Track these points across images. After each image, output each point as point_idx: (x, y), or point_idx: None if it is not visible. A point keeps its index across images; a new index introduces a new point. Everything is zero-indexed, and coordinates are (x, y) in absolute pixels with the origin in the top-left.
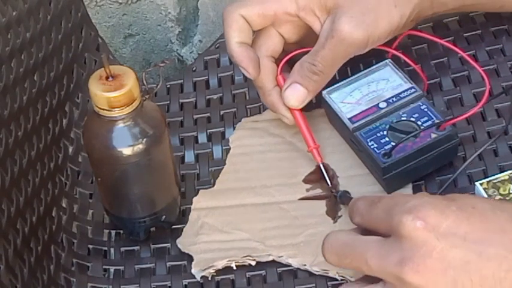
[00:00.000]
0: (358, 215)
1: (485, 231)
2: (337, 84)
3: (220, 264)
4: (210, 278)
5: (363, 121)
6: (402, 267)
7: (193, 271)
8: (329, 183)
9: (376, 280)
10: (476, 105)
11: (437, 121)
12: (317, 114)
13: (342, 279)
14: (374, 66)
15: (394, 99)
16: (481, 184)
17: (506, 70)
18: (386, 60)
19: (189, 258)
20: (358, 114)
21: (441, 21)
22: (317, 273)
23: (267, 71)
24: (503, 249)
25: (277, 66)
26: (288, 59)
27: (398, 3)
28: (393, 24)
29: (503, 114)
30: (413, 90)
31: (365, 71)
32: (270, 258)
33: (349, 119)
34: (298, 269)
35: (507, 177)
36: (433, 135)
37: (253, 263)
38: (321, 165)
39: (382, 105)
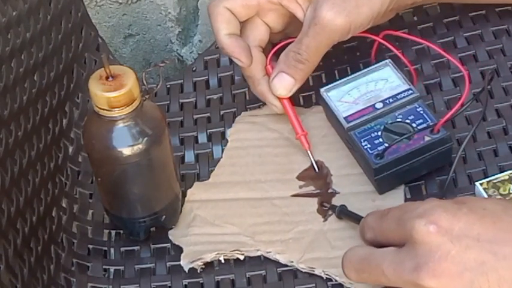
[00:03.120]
0: (369, 230)
1: (499, 231)
2: (336, 83)
3: (209, 257)
4: (210, 278)
5: (358, 121)
6: (418, 273)
7: (182, 263)
8: (316, 168)
9: None
10: (462, 95)
11: (431, 124)
12: (315, 111)
13: (327, 277)
14: (374, 66)
15: (390, 100)
16: (481, 184)
17: (506, 70)
18: (387, 61)
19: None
20: (354, 113)
21: (441, 20)
22: (303, 270)
23: (255, 61)
24: None
25: (265, 56)
26: (277, 49)
27: None
28: (374, 10)
29: (503, 114)
30: (410, 91)
31: (364, 70)
32: (258, 253)
33: (345, 118)
34: (297, 269)
35: (507, 177)
36: (427, 138)
37: (241, 257)
38: (309, 152)
39: (379, 105)
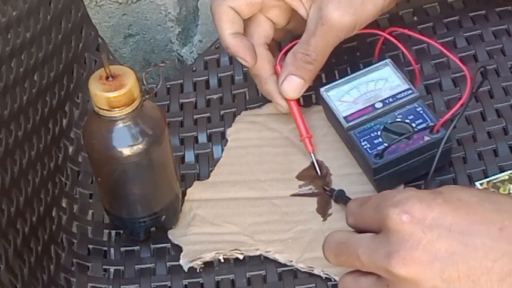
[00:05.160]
0: (351, 216)
1: (471, 223)
2: (336, 82)
3: (208, 256)
4: (210, 278)
5: (358, 120)
6: (390, 260)
7: (181, 262)
8: (318, 171)
9: (369, 273)
10: (459, 101)
11: (431, 124)
12: (315, 111)
13: (326, 277)
14: (373, 66)
15: (390, 99)
16: (481, 184)
17: (506, 70)
18: (387, 60)
19: None
20: (354, 113)
21: (441, 20)
22: (302, 269)
23: (262, 60)
24: (489, 240)
25: (271, 53)
26: (285, 51)
27: None
28: (378, 6)
29: (503, 114)
30: (410, 91)
31: (364, 70)
32: (258, 253)
33: (345, 117)
34: (297, 269)
35: (507, 177)
36: (426, 138)
37: (240, 257)
38: (312, 155)
39: (378, 105)
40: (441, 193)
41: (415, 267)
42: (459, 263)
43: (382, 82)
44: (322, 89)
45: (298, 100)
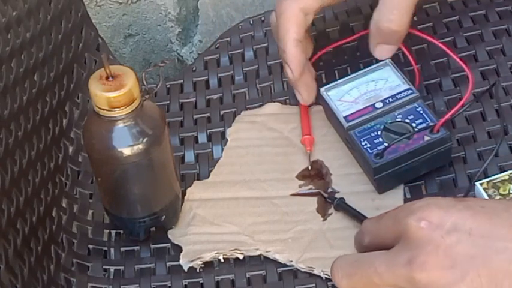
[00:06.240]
0: (367, 234)
1: (493, 226)
2: (336, 82)
3: (208, 256)
4: (210, 278)
5: (358, 120)
6: (411, 265)
7: (181, 262)
8: (309, 167)
9: None
10: (460, 102)
11: (431, 124)
12: (315, 111)
13: (326, 277)
14: (374, 66)
15: (390, 99)
16: (481, 184)
17: (506, 70)
18: (387, 60)
19: None
20: (354, 113)
21: (441, 20)
22: (302, 270)
23: (300, 55)
24: (511, 243)
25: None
26: (318, 56)
27: None
28: None
29: (503, 115)
30: (410, 91)
31: (364, 70)
32: (258, 253)
33: (345, 117)
34: (297, 269)
35: (507, 177)
36: (426, 138)
37: (240, 257)
38: (309, 154)
39: (378, 105)
40: (464, 200)
41: (437, 272)
42: (480, 267)
43: (382, 82)
44: (322, 89)
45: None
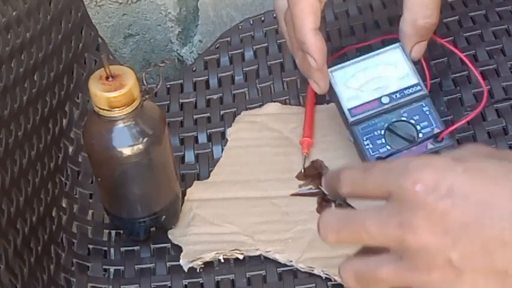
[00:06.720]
0: (348, 184)
1: (490, 194)
2: (343, 64)
3: (208, 256)
4: (210, 278)
5: (363, 115)
6: (403, 229)
7: (181, 262)
8: (302, 169)
9: (377, 251)
10: (476, 109)
11: (436, 130)
12: (316, 110)
13: (326, 277)
14: (384, 48)
15: (397, 95)
16: None
17: (506, 70)
18: (398, 43)
19: None
20: (359, 106)
21: (441, 21)
22: (302, 269)
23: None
24: (508, 213)
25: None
26: (337, 55)
27: None
28: None
29: (503, 114)
30: (418, 88)
31: (374, 52)
32: (258, 253)
33: (349, 110)
34: (297, 269)
35: None
36: (430, 146)
37: (240, 257)
38: (304, 157)
39: (385, 100)
40: (464, 161)
41: (429, 238)
42: (473, 234)
43: (390, 68)
44: (329, 70)
45: (315, 101)
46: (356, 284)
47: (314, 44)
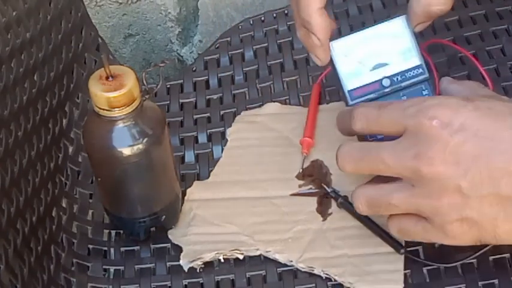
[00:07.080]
0: (362, 120)
1: (497, 129)
2: (345, 36)
3: (208, 256)
4: (210, 278)
5: (363, 99)
6: (418, 160)
7: (181, 262)
8: (301, 169)
9: (391, 180)
10: None
11: None
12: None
13: (326, 277)
14: (388, 20)
15: (399, 77)
16: None
17: (506, 70)
18: (403, 15)
19: None
20: (359, 88)
21: (441, 21)
22: (302, 269)
23: (327, 25)
24: None
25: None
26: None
27: None
28: None
29: None
30: (420, 71)
31: (377, 24)
32: (258, 253)
33: (349, 91)
34: (297, 269)
35: None
36: None
37: (240, 257)
38: (304, 157)
39: (386, 82)
40: (473, 101)
41: (442, 168)
42: (482, 165)
43: (392, 40)
44: (332, 42)
45: (319, 101)
46: (367, 209)
47: (320, 24)
